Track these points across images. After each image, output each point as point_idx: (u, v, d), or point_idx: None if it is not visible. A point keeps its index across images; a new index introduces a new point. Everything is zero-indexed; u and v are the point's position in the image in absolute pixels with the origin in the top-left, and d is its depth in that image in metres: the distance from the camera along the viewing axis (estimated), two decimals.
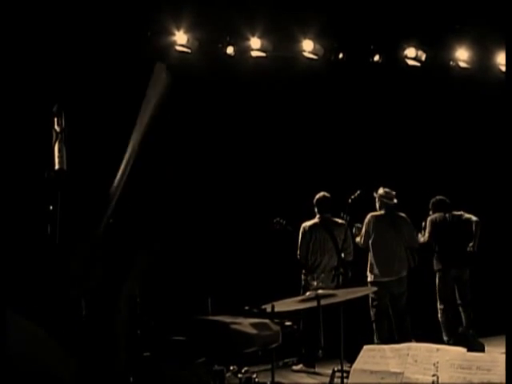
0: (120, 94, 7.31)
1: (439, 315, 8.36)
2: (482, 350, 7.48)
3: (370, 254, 7.85)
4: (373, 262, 7.80)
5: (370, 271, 7.81)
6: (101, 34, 7.25)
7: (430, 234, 8.32)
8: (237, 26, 8.28)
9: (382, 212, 7.88)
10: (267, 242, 8.05)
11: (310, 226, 7.76)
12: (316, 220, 7.81)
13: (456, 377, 3.38)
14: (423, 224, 8.45)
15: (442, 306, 8.36)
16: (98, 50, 7.28)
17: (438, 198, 8.51)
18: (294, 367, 7.65)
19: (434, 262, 8.41)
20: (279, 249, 7.96)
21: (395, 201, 7.89)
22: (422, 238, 8.36)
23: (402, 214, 7.95)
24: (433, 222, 8.37)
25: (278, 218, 7.99)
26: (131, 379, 5.91)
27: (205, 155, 8.28)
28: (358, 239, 7.89)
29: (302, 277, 7.71)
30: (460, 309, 8.41)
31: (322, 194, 7.84)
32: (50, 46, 6.80)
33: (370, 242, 7.80)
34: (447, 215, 8.37)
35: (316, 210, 7.84)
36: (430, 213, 8.48)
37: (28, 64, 6.57)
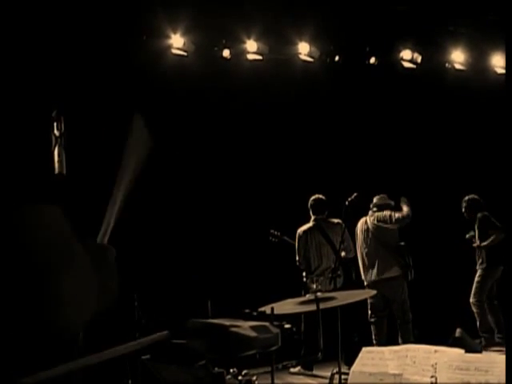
0: (118, 98, 7.33)
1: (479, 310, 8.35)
2: (480, 351, 7.48)
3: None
4: (359, 266, 7.90)
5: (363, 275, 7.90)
6: (97, 39, 7.26)
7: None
8: (233, 29, 8.29)
9: (364, 219, 7.96)
10: (267, 248, 8.06)
11: (305, 231, 7.76)
12: (310, 224, 7.80)
13: (454, 378, 3.40)
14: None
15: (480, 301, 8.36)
16: (94, 55, 7.29)
17: (473, 196, 8.54)
18: (292, 369, 7.65)
19: (483, 258, 8.37)
20: (279, 253, 7.98)
21: (390, 202, 7.94)
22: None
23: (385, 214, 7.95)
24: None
25: (273, 231, 7.97)
26: (130, 382, 5.91)
27: (201, 157, 8.30)
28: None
29: (303, 280, 7.71)
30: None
31: (316, 196, 7.85)
32: (47, 50, 6.80)
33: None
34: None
35: (311, 212, 7.85)
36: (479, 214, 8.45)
37: (26, 69, 6.57)
